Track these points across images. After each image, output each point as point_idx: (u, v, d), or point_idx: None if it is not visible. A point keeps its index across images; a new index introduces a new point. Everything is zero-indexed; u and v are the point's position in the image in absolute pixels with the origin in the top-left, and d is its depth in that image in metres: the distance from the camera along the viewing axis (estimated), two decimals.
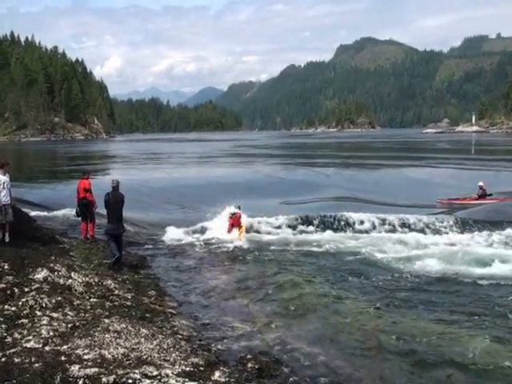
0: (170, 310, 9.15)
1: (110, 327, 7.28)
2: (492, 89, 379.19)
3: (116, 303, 8.93)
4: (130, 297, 9.49)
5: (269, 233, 17.49)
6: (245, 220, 17.32)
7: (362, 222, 18.23)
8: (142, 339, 7.01)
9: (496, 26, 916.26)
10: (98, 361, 6.29)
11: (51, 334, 7.09)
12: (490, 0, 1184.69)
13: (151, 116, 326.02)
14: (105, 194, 12.11)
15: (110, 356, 6.44)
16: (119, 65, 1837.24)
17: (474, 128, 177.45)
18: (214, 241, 16.16)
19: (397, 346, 7.83)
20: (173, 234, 16.91)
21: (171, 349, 6.85)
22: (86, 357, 6.38)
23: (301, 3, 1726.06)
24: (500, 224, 17.48)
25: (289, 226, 18.05)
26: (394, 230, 17.51)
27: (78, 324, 7.51)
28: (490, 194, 23.30)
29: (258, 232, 17.47)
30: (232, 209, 17.06)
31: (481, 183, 23.51)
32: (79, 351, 6.53)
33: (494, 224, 17.59)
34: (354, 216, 18.54)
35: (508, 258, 13.07)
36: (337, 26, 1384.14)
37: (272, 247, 15.31)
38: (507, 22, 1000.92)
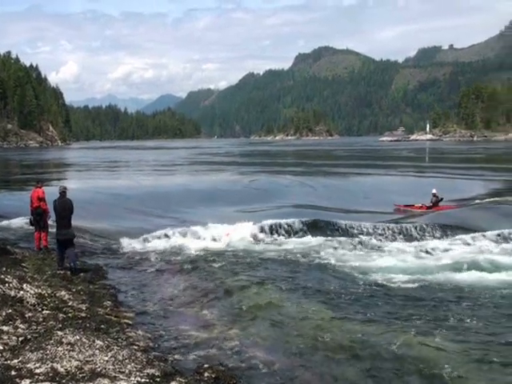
0: (126, 321, 9.01)
1: (63, 339, 7.12)
2: (445, 98, 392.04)
3: (70, 315, 8.74)
4: (84, 308, 9.30)
5: (229, 240, 17.39)
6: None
7: (328, 228, 18.58)
8: (97, 351, 6.88)
9: (449, 37, 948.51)
10: (50, 374, 6.14)
11: (1, 348, 6.88)
12: (443, 13, 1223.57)
13: (108, 123, 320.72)
14: (53, 200, 12.46)
15: (62, 369, 6.29)
16: (75, 71, 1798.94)
17: (428, 136, 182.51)
18: (172, 249, 16.00)
19: (351, 349, 7.96)
20: (131, 243, 16.64)
21: (126, 360, 6.75)
22: (37, 371, 6.23)
23: (261, 11, 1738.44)
24: (458, 230, 18.11)
25: (252, 233, 17.95)
26: (355, 236, 17.75)
27: (29, 337, 7.31)
28: (442, 199, 23.98)
29: (215, 240, 17.38)
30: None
31: (434, 191, 24.13)
32: (30, 365, 6.36)
33: (453, 229, 18.19)
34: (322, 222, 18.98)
35: (472, 263, 13.50)
36: (296, 35, 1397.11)
37: (233, 254, 15.29)
38: (459, 34, 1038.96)
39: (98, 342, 7.16)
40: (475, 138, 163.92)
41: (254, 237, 17.71)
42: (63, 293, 9.92)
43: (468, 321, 9.30)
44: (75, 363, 6.46)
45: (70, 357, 6.61)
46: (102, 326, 8.34)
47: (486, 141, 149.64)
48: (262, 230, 18.27)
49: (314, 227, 18.60)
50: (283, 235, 18.13)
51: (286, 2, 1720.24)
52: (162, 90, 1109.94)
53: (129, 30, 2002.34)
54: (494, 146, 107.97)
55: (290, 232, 18.36)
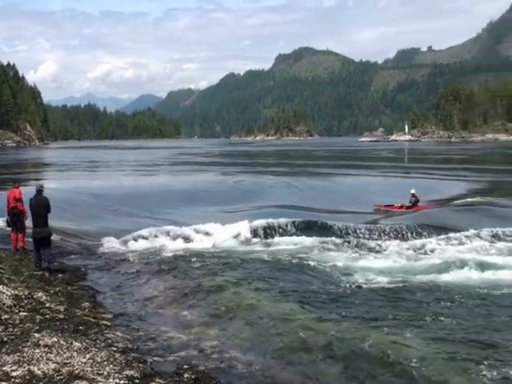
0: (105, 322, 8.91)
1: (41, 342, 7.02)
2: (423, 99, 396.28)
3: (47, 316, 8.62)
4: (62, 309, 9.18)
5: (214, 240, 17.28)
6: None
7: (307, 228, 18.54)
8: (75, 353, 6.79)
9: (427, 39, 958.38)
10: (27, 377, 6.06)
11: None
12: (422, 15, 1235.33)
13: (87, 123, 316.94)
14: (29, 198, 12.38)
15: (39, 372, 6.20)
16: (54, 70, 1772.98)
17: (407, 137, 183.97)
18: (154, 250, 15.86)
19: (328, 348, 8.00)
20: (110, 244, 16.50)
21: (105, 362, 6.68)
22: (13, 374, 6.13)
23: (241, 12, 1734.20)
24: (438, 229, 18.29)
25: (239, 233, 17.81)
26: (343, 236, 17.75)
27: (5, 339, 7.19)
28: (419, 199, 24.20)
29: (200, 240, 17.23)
30: None
31: (413, 191, 24.29)
32: (7, 368, 6.26)
33: (433, 229, 18.37)
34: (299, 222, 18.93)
35: (455, 263, 13.54)
36: (276, 36, 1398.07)
37: (217, 254, 15.21)
38: (438, 36, 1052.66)
39: (76, 344, 7.07)
40: (453, 139, 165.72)
41: (242, 237, 17.60)
42: (40, 294, 9.78)
43: (443, 319, 9.40)
44: (53, 366, 6.37)
45: (47, 359, 6.52)
46: (80, 328, 8.24)
47: (463, 141, 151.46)
48: (250, 230, 18.08)
49: (304, 228, 18.54)
50: (271, 236, 17.99)
51: (266, 3, 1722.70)
52: (142, 90, 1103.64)
53: (108, 28, 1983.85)
54: (472, 147, 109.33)
55: (278, 232, 18.23)
